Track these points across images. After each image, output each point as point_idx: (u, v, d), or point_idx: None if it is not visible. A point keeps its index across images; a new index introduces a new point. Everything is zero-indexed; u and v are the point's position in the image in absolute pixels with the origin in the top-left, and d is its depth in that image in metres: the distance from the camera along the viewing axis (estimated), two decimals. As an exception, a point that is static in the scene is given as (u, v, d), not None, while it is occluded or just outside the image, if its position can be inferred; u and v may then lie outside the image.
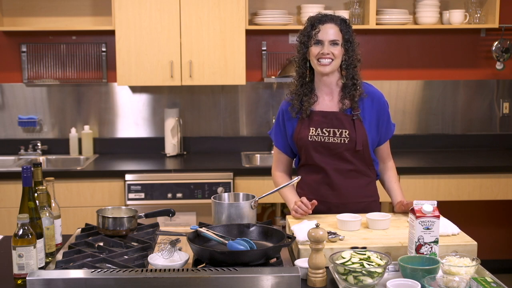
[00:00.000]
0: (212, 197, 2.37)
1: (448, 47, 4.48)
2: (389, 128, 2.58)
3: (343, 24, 2.46)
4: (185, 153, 4.40)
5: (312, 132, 2.51)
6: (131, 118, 4.43)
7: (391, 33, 4.41)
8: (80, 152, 4.35)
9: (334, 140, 2.49)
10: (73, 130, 4.35)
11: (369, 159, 2.55)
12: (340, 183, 2.52)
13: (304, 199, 2.38)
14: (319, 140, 2.50)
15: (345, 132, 2.48)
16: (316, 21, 2.46)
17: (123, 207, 2.40)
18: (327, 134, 2.49)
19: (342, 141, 2.48)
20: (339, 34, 2.44)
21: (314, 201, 2.38)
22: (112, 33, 4.07)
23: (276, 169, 2.69)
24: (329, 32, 2.44)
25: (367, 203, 2.56)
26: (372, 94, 2.53)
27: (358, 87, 2.49)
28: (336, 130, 2.49)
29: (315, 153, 2.52)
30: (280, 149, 2.65)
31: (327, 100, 2.53)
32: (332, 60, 2.44)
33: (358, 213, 2.38)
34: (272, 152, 2.69)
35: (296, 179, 2.47)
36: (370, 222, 2.27)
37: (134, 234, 2.26)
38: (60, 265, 1.97)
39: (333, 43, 2.44)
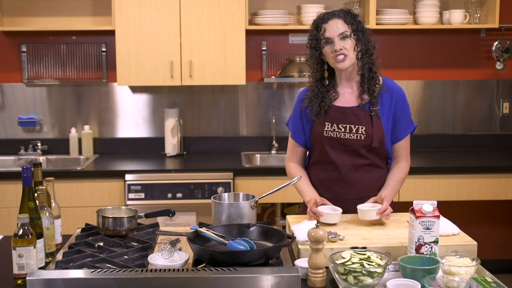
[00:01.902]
0: (212, 197, 2.37)
1: (448, 47, 4.48)
2: (406, 125, 2.50)
3: (347, 15, 2.41)
4: (185, 153, 4.40)
5: (328, 128, 2.47)
6: (131, 118, 4.43)
7: (391, 33, 4.41)
8: (80, 152, 4.35)
9: (350, 136, 2.45)
10: (73, 130, 4.35)
11: (384, 154, 2.51)
12: (355, 178, 2.48)
13: (317, 209, 2.32)
14: (334, 136, 2.46)
15: (362, 128, 2.43)
16: (319, 22, 2.43)
17: (123, 207, 2.40)
18: (343, 130, 2.45)
19: (358, 137, 2.44)
20: (345, 25, 2.39)
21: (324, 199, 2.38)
22: (112, 33, 4.07)
23: (290, 160, 2.63)
24: (335, 27, 2.39)
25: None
26: (392, 90, 2.48)
27: (377, 80, 2.45)
28: (352, 126, 2.44)
29: (330, 149, 2.48)
30: (296, 141, 2.59)
31: (347, 94, 2.49)
32: (346, 55, 2.39)
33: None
34: (288, 143, 2.64)
35: (296, 179, 2.47)
36: (360, 213, 2.29)
37: (134, 234, 2.26)
38: (60, 265, 1.97)
39: (342, 36, 2.39)
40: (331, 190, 2.51)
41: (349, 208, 2.44)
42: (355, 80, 2.49)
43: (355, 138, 2.44)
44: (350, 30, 2.40)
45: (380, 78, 2.50)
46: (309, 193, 2.47)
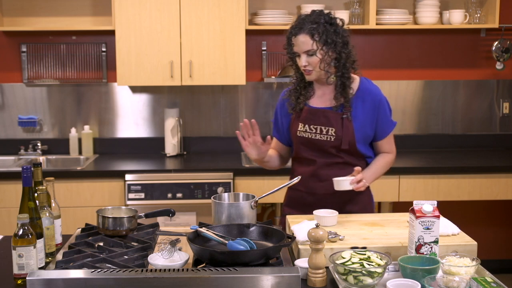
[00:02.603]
0: (212, 197, 2.37)
1: (448, 47, 4.48)
2: (386, 125, 2.56)
3: (316, 30, 2.40)
4: (185, 153, 4.40)
5: (300, 128, 2.55)
6: (131, 118, 4.43)
7: (391, 33, 4.41)
8: (80, 152, 4.35)
9: (320, 137, 2.51)
10: (73, 130, 4.35)
11: (358, 155, 2.55)
12: (328, 174, 2.52)
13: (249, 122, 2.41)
14: (306, 136, 2.54)
15: (332, 130, 2.49)
16: (290, 34, 2.47)
17: (123, 207, 2.40)
18: (314, 131, 2.52)
19: (328, 139, 2.50)
20: (311, 42, 2.40)
21: (268, 136, 2.43)
22: (112, 33, 4.07)
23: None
24: (302, 44, 2.42)
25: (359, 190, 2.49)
26: (368, 92, 2.53)
27: (349, 87, 2.49)
28: (323, 127, 2.51)
29: (303, 147, 2.56)
30: (275, 137, 2.70)
31: (322, 95, 2.55)
32: (311, 70, 2.45)
33: (345, 202, 2.51)
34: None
35: (296, 179, 2.47)
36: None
37: (134, 234, 2.26)
38: (60, 265, 1.97)
39: (307, 54, 2.42)
40: (305, 184, 2.56)
41: (320, 202, 2.50)
42: (330, 82, 2.53)
43: (325, 139, 2.51)
44: (317, 46, 2.40)
45: (357, 80, 2.54)
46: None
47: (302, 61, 2.43)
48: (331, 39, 2.41)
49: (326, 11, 2.49)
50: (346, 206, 2.56)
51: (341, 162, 2.54)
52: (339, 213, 2.38)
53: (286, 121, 2.63)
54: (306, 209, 2.56)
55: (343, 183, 2.39)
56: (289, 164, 2.78)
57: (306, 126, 2.53)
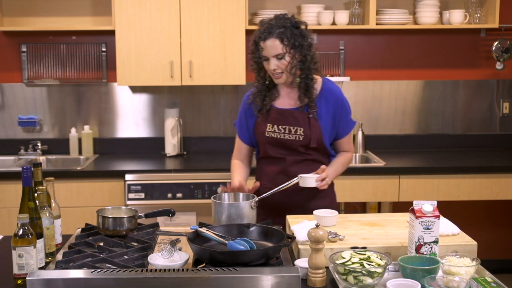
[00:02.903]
0: (212, 197, 2.37)
1: (448, 47, 4.48)
2: (346, 124, 2.65)
3: (285, 34, 2.46)
4: (185, 153, 4.40)
5: (269, 128, 2.61)
6: (131, 118, 4.43)
7: (391, 33, 4.41)
8: (80, 152, 4.35)
9: (289, 137, 2.58)
10: (73, 130, 4.35)
11: (324, 152, 2.65)
12: (296, 171, 2.57)
13: (241, 188, 2.50)
14: (275, 136, 2.60)
15: (300, 129, 2.56)
16: (258, 38, 2.51)
17: (123, 207, 2.40)
18: (282, 131, 2.59)
19: (297, 138, 2.57)
20: (280, 46, 2.46)
21: (257, 183, 2.52)
22: (112, 33, 4.07)
23: (234, 157, 2.80)
24: (271, 48, 2.48)
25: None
26: (330, 92, 2.60)
27: (313, 85, 2.56)
28: (291, 127, 2.57)
29: (271, 147, 2.62)
30: (243, 140, 2.75)
31: (287, 96, 2.62)
32: (281, 72, 2.50)
33: (312, 197, 2.58)
34: (235, 141, 2.83)
35: (296, 179, 2.48)
36: (300, 180, 2.45)
37: (134, 234, 2.26)
38: (60, 265, 1.97)
39: (277, 57, 2.48)
40: (274, 181, 2.60)
41: (289, 198, 2.56)
42: (295, 84, 2.60)
43: (294, 138, 2.58)
44: (286, 49, 2.47)
45: (320, 80, 2.61)
46: (234, 180, 2.61)
47: (272, 65, 2.49)
48: (298, 42, 2.48)
49: (289, 15, 2.57)
50: (313, 201, 2.62)
51: (310, 159, 2.62)
52: (306, 208, 2.52)
53: (251, 123, 2.69)
54: (275, 208, 2.58)
55: (308, 180, 2.46)
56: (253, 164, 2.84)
57: (275, 126, 2.59)
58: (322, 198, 2.65)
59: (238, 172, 2.70)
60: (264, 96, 2.61)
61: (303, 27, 2.53)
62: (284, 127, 2.58)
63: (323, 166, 2.50)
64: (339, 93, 2.63)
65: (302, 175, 2.47)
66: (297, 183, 2.48)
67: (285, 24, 2.48)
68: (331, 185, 2.71)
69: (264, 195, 2.46)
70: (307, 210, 2.52)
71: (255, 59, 2.55)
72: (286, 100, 2.62)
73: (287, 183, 2.48)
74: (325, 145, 2.61)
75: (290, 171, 2.59)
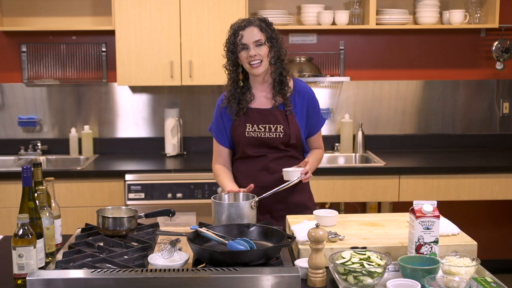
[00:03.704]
0: (212, 197, 2.37)
1: (448, 47, 4.48)
2: (318, 121, 2.74)
3: (262, 23, 2.59)
4: (185, 153, 4.40)
5: (249, 129, 2.66)
6: (131, 118, 4.43)
7: (391, 33, 4.41)
8: (80, 152, 4.35)
9: (270, 135, 2.65)
10: (73, 130, 4.35)
11: (301, 149, 2.74)
12: (277, 167, 2.64)
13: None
14: (255, 136, 2.66)
15: (280, 127, 2.64)
16: (237, 28, 2.59)
17: (123, 207, 2.40)
18: (263, 130, 2.65)
19: (277, 136, 2.65)
20: (260, 33, 2.57)
21: (251, 185, 2.53)
22: (112, 33, 4.07)
23: (216, 162, 2.80)
24: (251, 34, 2.56)
25: (299, 182, 2.62)
26: (302, 90, 2.69)
27: (287, 84, 2.63)
28: (271, 125, 2.64)
29: (251, 147, 2.68)
30: (221, 144, 2.77)
31: (262, 97, 2.68)
32: (261, 60, 2.57)
33: (294, 192, 2.64)
34: (213, 146, 2.84)
35: (296, 179, 2.49)
36: (284, 174, 2.53)
37: (134, 234, 2.26)
38: (60, 265, 1.97)
39: (257, 44, 2.56)
40: (256, 179, 2.65)
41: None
42: (268, 83, 2.67)
43: (274, 136, 2.65)
44: (264, 38, 2.57)
45: (291, 81, 2.70)
46: (229, 185, 2.62)
47: (252, 51, 2.55)
48: (274, 35, 2.60)
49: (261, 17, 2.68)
50: (295, 196, 2.69)
51: (289, 155, 2.70)
52: (288, 203, 2.63)
53: (228, 126, 2.73)
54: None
55: (292, 173, 2.52)
56: None
57: (255, 126, 2.66)
58: (302, 192, 2.73)
59: (226, 177, 2.71)
60: (238, 99, 2.67)
61: (275, 29, 2.64)
62: (264, 125, 2.65)
63: (306, 160, 2.61)
64: (311, 91, 2.72)
65: (286, 169, 2.54)
66: (282, 177, 2.55)
67: (262, 19, 2.62)
68: (307, 184, 2.79)
69: (264, 195, 2.48)
70: (290, 205, 2.67)
71: (232, 49, 2.59)
72: (261, 100, 2.68)
73: (287, 183, 2.51)
74: (302, 141, 2.70)
75: (271, 168, 2.67)
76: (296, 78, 2.76)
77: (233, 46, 2.59)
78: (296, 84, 2.70)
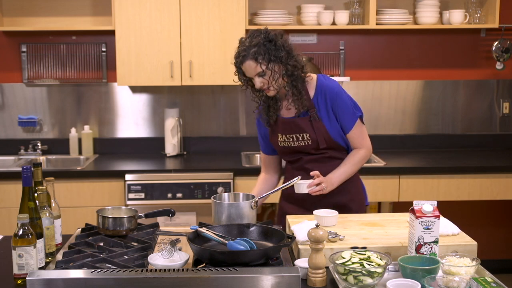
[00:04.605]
0: (212, 197, 2.37)
1: (448, 47, 4.48)
2: (348, 117, 2.60)
3: (258, 51, 2.47)
4: (185, 153, 4.40)
5: (280, 138, 2.66)
6: (131, 118, 4.43)
7: (391, 33, 4.41)
8: (80, 152, 4.35)
9: (298, 143, 2.63)
10: (73, 130, 4.35)
11: (339, 148, 2.65)
12: (312, 167, 2.59)
13: None
14: (287, 145, 2.66)
15: (306, 135, 2.60)
16: (236, 63, 2.55)
17: (123, 207, 2.40)
18: (291, 139, 2.64)
19: (306, 144, 2.62)
20: (257, 66, 2.48)
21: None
22: (112, 33, 4.07)
23: (262, 171, 2.85)
24: (249, 69, 2.50)
25: (346, 183, 2.64)
26: (325, 88, 2.59)
27: (305, 90, 2.57)
28: (298, 135, 2.62)
29: (286, 155, 2.71)
30: (265, 152, 2.81)
31: (286, 106, 2.64)
32: (268, 87, 2.52)
33: (335, 194, 2.58)
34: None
35: (296, 179, 2.49)
36: (295, 186, 2.47)
37: (134, 234, 2.26)
38: (60, 265, 1.97)
39: (259, 75, 2.51)
40: (295, 175, 2.61)
41: (309, 195, 2.52)
42: (289, 93, 2.60)
43: (303, 144, 2.62)
44: (264, 66, 2.48)
45: (315, 78, 2.62)
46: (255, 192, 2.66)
47: (257, 83, 2.52)
48: (273, 55, 2.48)
49: (262, 28, 2.55)
50: (338, 197, 2.63)
51: (326, 157, 2.64)
52: (331, 204, 2.52)
53: (266, 133, 2.75)
54: (301, 202, 2.65)
55: (301, 186, 2.47)
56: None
57: (284, 136, 2.64)
58: (345, 193, 2.65)
59: (256, 188, 2.78)
60: (268, 109, 2.66)
61: (277, 37, 2.51)
62: (291, 135, 2.62)
63: (316, 172, 2.50)
64: (333, 87, 2.60)
65: (297, 181, 2.48)
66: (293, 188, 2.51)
67: (257, 42, 2.48)
68: (356, 178, 2.72)
69: (264, 195, 2.49)
70: (328, 206, 2.51)
71: (242, 81, 2.60)
72: (288, 109, 2.64)
73: (286, 184, 2.51)
74: (337, 142, 2.61)
75: (308, 169, 2.61)
76: (321, 75, 2.66)
77: (243, 79, 2.58)
78: (319, 81, 2.61)
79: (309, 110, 2.58)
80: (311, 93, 2.60)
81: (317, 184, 2.48)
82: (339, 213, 2.37)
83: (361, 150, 2.65)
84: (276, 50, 2.48)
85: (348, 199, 2.67)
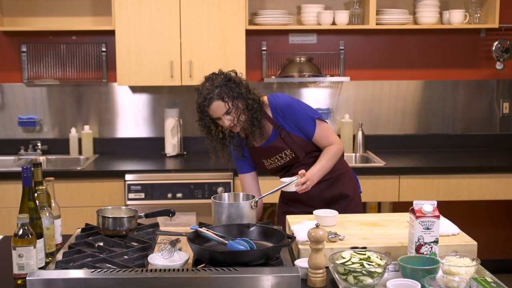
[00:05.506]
0: (212, 197, 2.37)
1: (448, 47, 4.48)
2: (307, 122, 2.69)
3: (222, 91, 2.54)
4: (185, 153, 4.40)
5: (266, 163, 2.76)
6: (131, 118, 4.43)
7: (391, 33, 4.41)
8: (80, 152, 4.35)
9: (284, 160, 2.73)
10: (73, 130, 4.35)
11: (318, 150, 2.75)
12: (306, 168, 2.65)
13: None
14: (276, 166, 2.76)
15: (287, 151, 2.70)
16: (202, 106, 2.58)
17: (123, 207, 2.40)
18: (277, 160, 2.74)
19: (290, 158, 2.72)
20: (224, 104, 2.54)
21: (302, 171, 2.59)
22: (112, 33, 4.07)
23: (245, 191, 2.84)
24: (217, 110, 2.55)
25: (337, 175, 2.78)
26: (276, 106, 2.68)
27: (264, 120, 2.65)
28: (280, 154, 2.72)
29: (277, 172, 2.81)
30: (245, 172, 2.83)
31: (254, 138, 2.69)
32: (235, 124, 2.59)
33: (328, 186, 2.73)
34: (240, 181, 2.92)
35: (296, 178, 2.49)
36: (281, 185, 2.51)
37: (134, 234, 2.26)
38: (60, 265, 1.97)
39: (226, 113, 2.56)
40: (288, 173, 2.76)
41: (310, 192, 2.61)
42: (254, 125, 2.66)
43: (289, 159, 2.73)
44: (229, 104, 2.55)
45: (267, 101, 2.69)
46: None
47: (225, 122, 2.57)
48: (236, 92, 2.56)
49: (218, 71, 2.63)
50: (334, 188, 2.77)
51: (313, 156, 2.73)
52: (328, 196, 2.69)
53: (246, 151, 2.79)
54: (301, 202, 2.74)
55: (289, 186, 2.52)
56: None
57: (269, 160, 2.75)
58: (340, 185, 2.79)
59: (248, 189, 2.83)
60: (243, 140, 2.73)
61: (234, 76, 2.60)
62: (275, 157, 2.73)
63: (302, 171, 2.56)
64: (283, 102, 2.68)
65: (283, 179, 2.55)
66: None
67: (219, 83, 2.55)
68: (349, 172, 2.84)
69: (263, 195, 2.50)
70: (326, 199, 2.74)
71: (206, 124, 2.62)
72: (257, 140, 2.70)
73: (287, 183, 2.51)
74: (313, 147, 2.73)
75: (295, 172, 2.65)
76: (270, 96, 2.73)
77: (207, 122, 2.61)
78: (270, 103, 2.69)
79: (277, 130, 2.68)
80: (270, 114, 2.68)
81: (303, 183, 2.55)
82: (338, 203, 2.41)
83: (333, 145, 2.74)
84: (237, 87, 2.57)
85: (344, 187, 2.80)
